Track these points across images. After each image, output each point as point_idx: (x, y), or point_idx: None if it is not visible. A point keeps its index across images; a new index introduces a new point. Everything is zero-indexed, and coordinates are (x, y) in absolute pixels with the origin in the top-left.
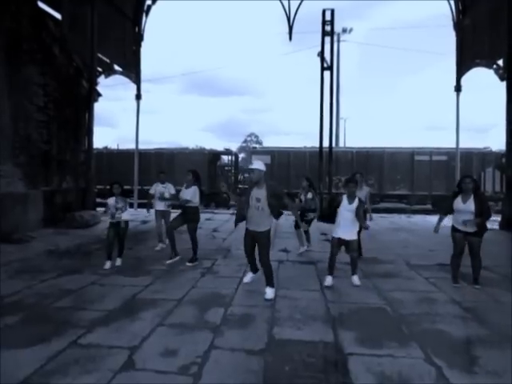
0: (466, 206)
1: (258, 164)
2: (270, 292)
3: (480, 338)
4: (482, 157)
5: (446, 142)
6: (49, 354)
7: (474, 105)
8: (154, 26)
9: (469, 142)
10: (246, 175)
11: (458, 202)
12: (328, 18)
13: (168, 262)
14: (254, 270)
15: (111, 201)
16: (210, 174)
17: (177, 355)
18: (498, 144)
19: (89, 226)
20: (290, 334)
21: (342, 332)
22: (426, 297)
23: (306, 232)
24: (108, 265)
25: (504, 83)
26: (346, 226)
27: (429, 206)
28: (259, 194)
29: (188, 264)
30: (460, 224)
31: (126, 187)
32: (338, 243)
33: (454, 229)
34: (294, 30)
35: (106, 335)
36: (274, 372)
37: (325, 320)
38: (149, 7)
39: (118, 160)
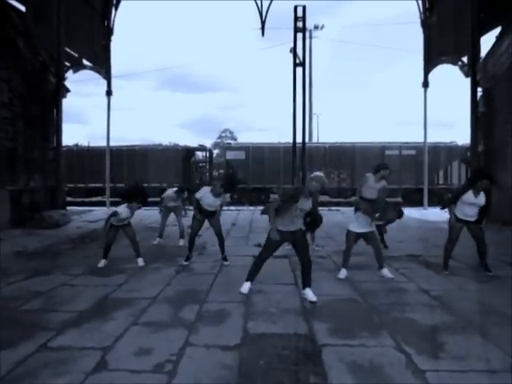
0: (477, 200)
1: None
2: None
3: (446, 324)
4: (449, 151)
5: (416, 136)
6: (17, 359)
7: (442, 100)
8: (125, 20)
9: (436, 136)
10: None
11: (470, 197)
12: (300, 14)
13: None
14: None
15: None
16: (185, 171)
17: (151, 354)
18: (464, 138)
19: (58, 225)
20: (265, 328)
21: (315, 324)
22: (396, 287)
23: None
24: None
25: (469, 79)
26: (362, 220)
27: (399, 199)
28: (305, 204)
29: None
30: (465, 215)
31: (97, 185)
32: (356, 238)
33: (457, 219)
34: (266, 26)
35: (78, 337)
36: (249, 366)
37: (299, 313)
38: (118, 1)
39: (89, 158)
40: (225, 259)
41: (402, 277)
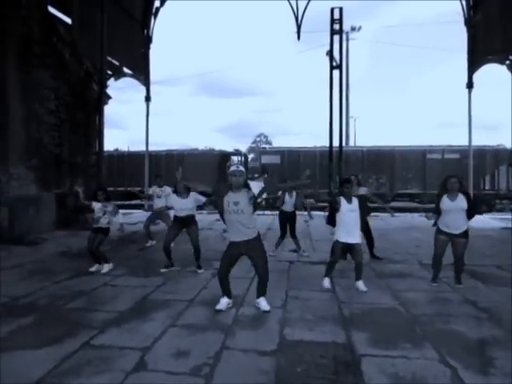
0: (455, 204)
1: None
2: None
3: (495, 338)
4: (496, 154)
5: (459, 139)
6: (62, 355)
7: (488, 101)
8: (162, 27)
9: (482, 139)
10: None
11: (446, 202)
12: (336, 16)
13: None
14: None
15: (97, 205)
16: (220, 175)
17: (188, 356)
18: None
19: None
20: (302, 335)
21: (354, 333)
22: (439, 297)
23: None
24: (94, 268)
25: None
26: (350, 229)
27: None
28: (236, 197)
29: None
30: (447, 226)
31: (137, 189)
32: (343, 248)
33: (439, 231)
34: (302, 30)
35: (118, 336)
36: (286, 373)
37: (337, 321)
38: (157, 10)
39: (128, 162)
40: (199, 267)
41: (445, 286)
